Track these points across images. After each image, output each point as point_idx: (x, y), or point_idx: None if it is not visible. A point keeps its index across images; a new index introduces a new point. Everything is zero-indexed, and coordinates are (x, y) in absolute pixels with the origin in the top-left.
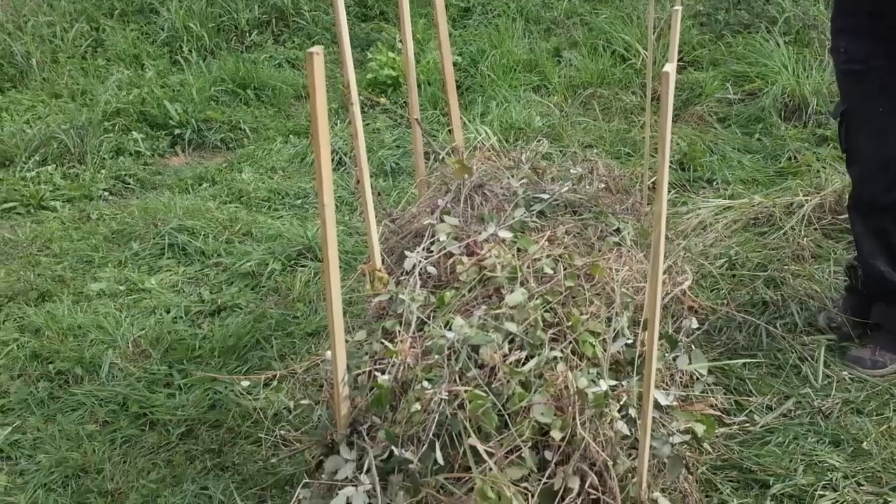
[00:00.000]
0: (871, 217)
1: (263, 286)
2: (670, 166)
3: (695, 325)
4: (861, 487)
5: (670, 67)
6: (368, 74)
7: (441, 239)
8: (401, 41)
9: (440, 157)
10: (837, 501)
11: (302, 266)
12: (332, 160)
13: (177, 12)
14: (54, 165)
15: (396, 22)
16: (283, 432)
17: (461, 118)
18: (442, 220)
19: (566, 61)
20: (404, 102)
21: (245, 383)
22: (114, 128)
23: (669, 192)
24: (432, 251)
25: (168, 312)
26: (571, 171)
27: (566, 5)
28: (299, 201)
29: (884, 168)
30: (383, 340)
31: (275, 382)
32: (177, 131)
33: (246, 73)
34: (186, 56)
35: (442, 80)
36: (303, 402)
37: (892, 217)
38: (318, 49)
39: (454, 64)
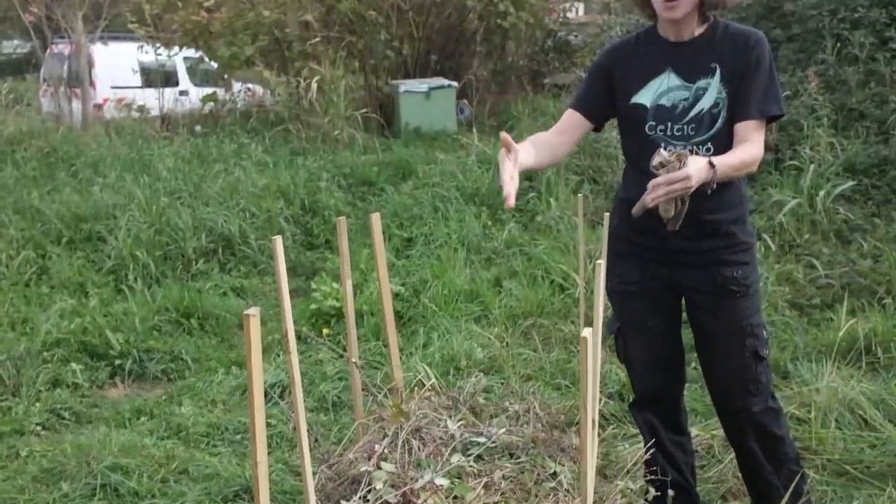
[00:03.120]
0: (649, 414)
1: None
2: (609, 398)
3: None
4: None
5: (588, 332)
6: (312, 305)
7: (378, 487)
8: None
9: (378, 398)
10: None
11: None
12: (276, 391)
13: (124, 241)
14: None
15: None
16: None
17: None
18: (379, 467)
19: (507, 291)
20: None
21: None
22: (52, 358)
23: (609, 426)
24: (369, 500)
25: None
26: (509, 409)
27: (506, 235)
28: (239, 436)
29: (655, 370)
30: None
31: None
32: (117, 361)
33: (190, 301)
34: (131, 284)
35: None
36: None
37: (663, 409)
38: (254, 311)
39: (396, 295)
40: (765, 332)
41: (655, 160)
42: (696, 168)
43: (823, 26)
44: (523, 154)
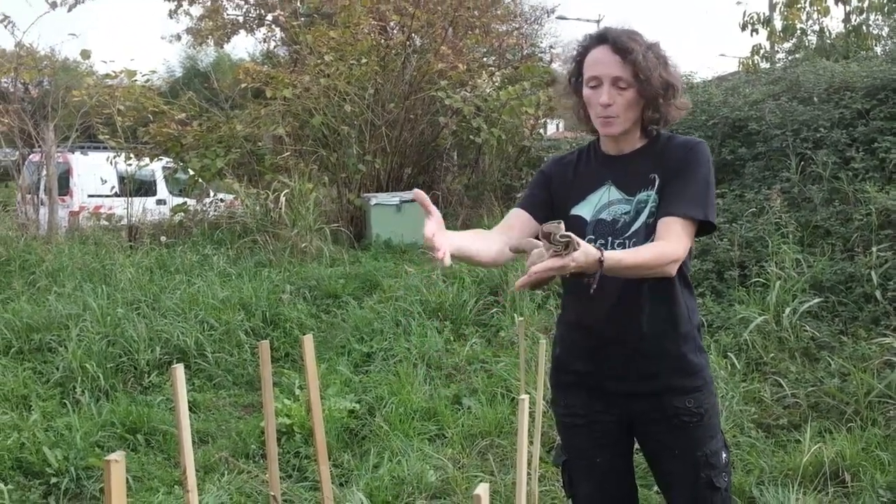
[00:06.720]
0: None
1: None
2: None
3: None
4: None
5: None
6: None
7: None
8: (299, 387)
9: None
10: None
11: None
12: None
13: (74, 353)
14: None
15: (299, 365)
16: None
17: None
18: None
19: (465, 409)
20: (296, 452)
21: None
22: None
23: None
24: None
25: None
26: None
27: (468, 351)
28: None
29: None
30: None
31: None
32: (53, 480)
33: (138, 416)
34: (78, 397)
35: (336, 428)
36: None
37: None
38: (118, 455)
39: (351, 412)
40: (723, 457)
41: (545, 228)
42: (583, 258)
43: (787, 146)
44: (458, 238)
